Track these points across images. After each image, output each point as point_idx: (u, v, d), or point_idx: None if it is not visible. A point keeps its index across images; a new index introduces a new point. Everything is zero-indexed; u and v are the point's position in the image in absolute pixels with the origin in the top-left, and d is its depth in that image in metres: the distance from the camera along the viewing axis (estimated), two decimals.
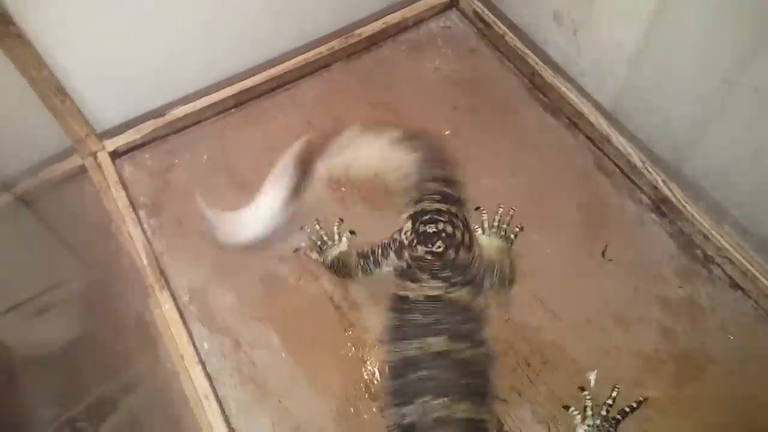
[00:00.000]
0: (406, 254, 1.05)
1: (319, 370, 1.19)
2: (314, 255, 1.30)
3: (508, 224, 1.27)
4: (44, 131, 1.35)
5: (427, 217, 1.05)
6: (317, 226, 1.30)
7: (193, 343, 1.21)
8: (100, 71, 1.35)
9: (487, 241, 1.24)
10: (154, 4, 1.31)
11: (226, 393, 1.17)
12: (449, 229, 1.04)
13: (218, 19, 1.42)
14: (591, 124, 1.43)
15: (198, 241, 1.34)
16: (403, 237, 1.06)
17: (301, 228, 1.31)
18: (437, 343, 0.97)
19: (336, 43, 1.60)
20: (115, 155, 1.44)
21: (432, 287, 1.01)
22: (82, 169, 1.41)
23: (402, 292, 1.04)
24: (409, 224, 1.06)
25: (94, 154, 1.41)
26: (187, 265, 1.32)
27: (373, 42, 1.65)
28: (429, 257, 1.03)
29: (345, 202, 1.39)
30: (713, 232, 1.25)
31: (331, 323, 1.24)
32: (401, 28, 1.67)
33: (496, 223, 1.26)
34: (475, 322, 1.02)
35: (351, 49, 1.62)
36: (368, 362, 1.20)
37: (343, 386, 1.17)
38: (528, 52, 1.55)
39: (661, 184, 1.32)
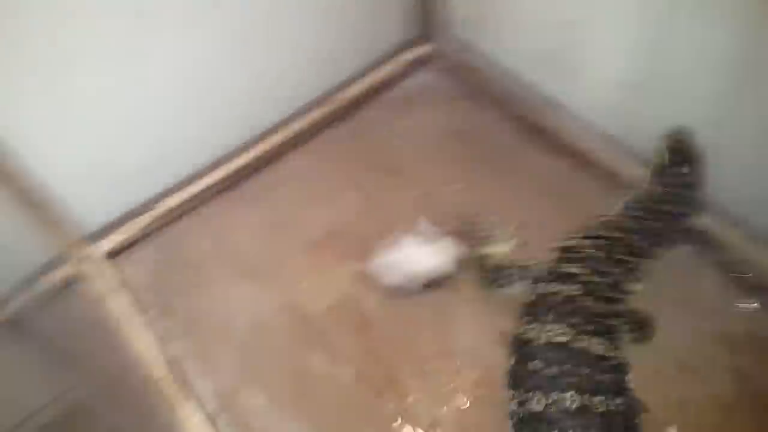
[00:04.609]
0: (536, 287, 0.99)
1: None
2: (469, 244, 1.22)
3: None
4: (28, 245, 1.22)
5: (575, 255, 0.99)
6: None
7: None
8: (83, 172, 1.25)
9: None
10: (129, 97, 1.23)
11: None
12: (594, 277, 0.97)
13: (199, 101, 1.35)
14: (599, 159, 1.39)
15: (217, 338, 1.24)
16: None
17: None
18: (565, 399, 0.89)
19: (321, 110, 1.55)
20: (109, 257, 1.32)
21: (555, 332, 0.93)
22: (75, 278, 1.28)
23: (521, 334, 0.96)
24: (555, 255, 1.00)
25: (86, 259, 1.29)
26: (210, 368, 1.21)
27: (357, 104, 1.60)
28: (559, 298, 0.96)
29: None
30: (758, 257, 1.21)
31: (374, 411, 1.15)
32: (384, 85, 1.63)
33: None
34: (612, 372, 0.94)
35: (336, 114, 1.57)
36: None
37: None
38: (519, 94, 1.52)
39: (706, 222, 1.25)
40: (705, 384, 1.13)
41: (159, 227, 1.38)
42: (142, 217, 1.35)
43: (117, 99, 1.21)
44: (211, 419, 1.13)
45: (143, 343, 1.18)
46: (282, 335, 1.24)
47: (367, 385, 1.18)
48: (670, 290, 1.22)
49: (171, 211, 1.38)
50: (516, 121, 1.54)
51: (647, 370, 1.14)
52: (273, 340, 1.23)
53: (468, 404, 1.15)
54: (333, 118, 1.58)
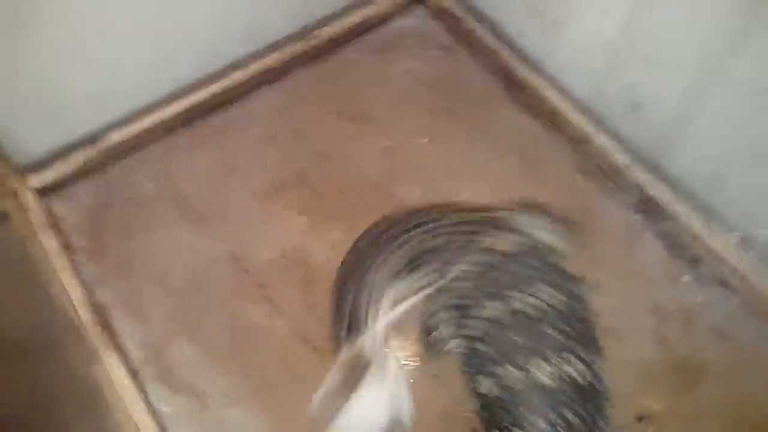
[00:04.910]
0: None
1: (301, 426, 1.03)
2: None
3: None
4: None
5: None
6: None
7: (152, 409, 1.03)
8: (18, 98, 1.15)
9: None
10: (79, 13, 1.11)
11: None
12: None
13: (157, 26, 1.23)
14: (570, 123, 1.33)
15: (151, 286, 1.16)
16: None
17: None
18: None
19: (295, 47, 1.42)
20: (42, 193, 1.22)
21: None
22: (2, 215, 1.19)
23: None
24: None
25: (14, 194, 1.19)
26: (139, 317, 1.13)
27: (336, 44, 1.48)
28: None
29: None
30: (701, 231, 1.19)
31: (311, 368, 1.07)
32: (365, 27, 1.50)
33: None
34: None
35: (312, 53, 1.45)
36: None
37: None
38: (501, 48, 1.42)
39: (646, 184, 1.24)
40: (629, 348, 1.10)
41: (99, 164, 1.27)
42: (80, 152, 1.25)
43: (62, 14, 1.08)
44: (135, 371, 1.06)
45: (68, 289, 1.10)
46: (221, 285, 1.16)
47: (305, 341, 1.11)
48: (610, 257, 1.20)
49: (114, 147, 1.27)
50: (496, 75, 1.44)
51: None
52: (211, 290, 1.16)
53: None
54: (307, 57, 1.45)
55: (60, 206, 1.23)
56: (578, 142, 1.33)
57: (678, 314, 1.14)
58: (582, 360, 0.91)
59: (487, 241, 1.00)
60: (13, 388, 0.97)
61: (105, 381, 1.03)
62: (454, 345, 0.99)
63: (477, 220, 1.07)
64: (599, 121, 1.31)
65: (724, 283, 1.16)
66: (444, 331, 1.00)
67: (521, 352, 0.90)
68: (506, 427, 0.88)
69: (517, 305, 0.93)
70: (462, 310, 0.97)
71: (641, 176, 1.24)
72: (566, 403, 0.87)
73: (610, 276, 1.16)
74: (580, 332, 0.94)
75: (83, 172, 1.26)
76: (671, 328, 1.12)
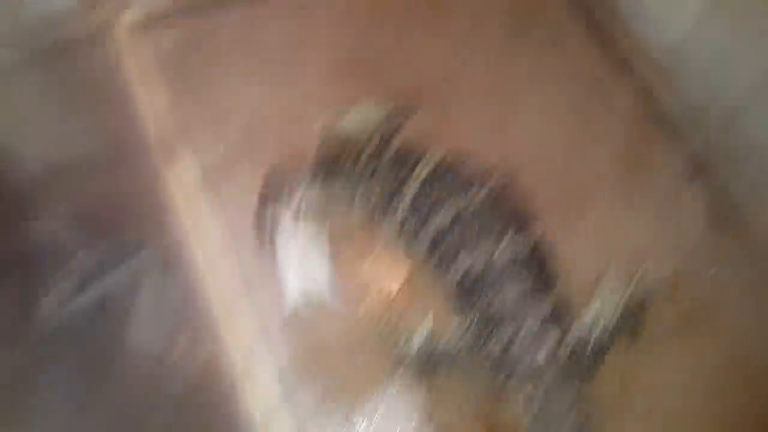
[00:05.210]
0: None
1: None
2: None
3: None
4: None
5: None
6: None
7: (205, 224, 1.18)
8: None
9: None
10: None
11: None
12: None
13: None
14: (641, 71, 1.33)
15: (209, 128, 1.27)
16: None
17: None
18: None
19: None
20: (132, 26, 1.36)
21: None
22: (98, 35, 1.33)
23: None
24: None
25: (108, 21, 1.34)
26: (198, 148, 1.25)
27: None
28: None
29: None
30: (746, 203, 1.19)
31: None
32: None
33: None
34: None
35: None
36: None
37: None
38: None
39: (702, 147, 1.24)
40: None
41: (189, 11, 1.38)
42: None
43: None
44: (194, 187, 1.21)
45: (145, 109, 1.25)
46: (269, 145, 1.25)
47: None
48: (652, 209, 1.21)
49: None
50: (578, 9, 1.44)
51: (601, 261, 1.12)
52: (259, 145, 1.25)
53: None
54: None
55: (146, 41, 1.36)
56: (645, 91, 1.32)
57: (703, 279, 1.13)
58: (523, 232, 1.01)
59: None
60: (92, 188, 1.14)
61: (167, 193, 1.20)
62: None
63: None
64: (672, 75, 1.31)
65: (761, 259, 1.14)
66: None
67: (478, 240, 0.99)
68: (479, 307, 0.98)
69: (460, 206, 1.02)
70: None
71: (699, 139, 1.25)
72: (526, 273, 0.97)
73: (650, 226, 1.18)
74: (511, 211, 1.05)
75: (173, 15, 1.38)
76: (689, 288, 1.11)
